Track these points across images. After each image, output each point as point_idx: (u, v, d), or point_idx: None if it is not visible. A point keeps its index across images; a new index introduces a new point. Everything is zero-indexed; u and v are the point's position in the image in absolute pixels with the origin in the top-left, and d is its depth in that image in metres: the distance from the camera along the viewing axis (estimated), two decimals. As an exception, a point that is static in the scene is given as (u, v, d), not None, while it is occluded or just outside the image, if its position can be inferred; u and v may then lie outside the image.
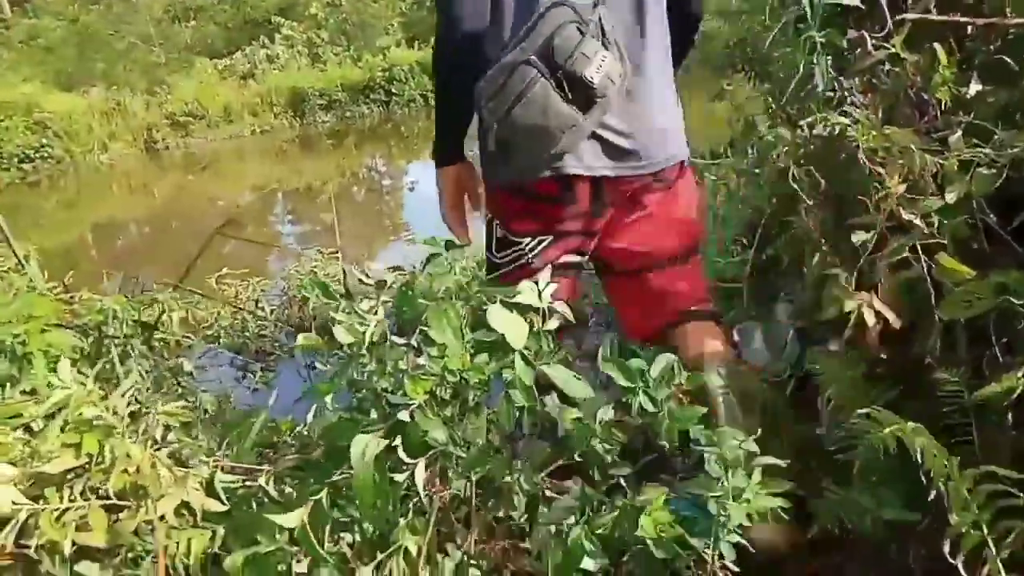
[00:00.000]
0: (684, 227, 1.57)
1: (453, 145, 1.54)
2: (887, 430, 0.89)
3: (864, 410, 0.95)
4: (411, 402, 1.05)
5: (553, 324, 1.16)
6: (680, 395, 1.11)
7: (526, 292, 1.15)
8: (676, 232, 1.55)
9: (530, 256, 1.50)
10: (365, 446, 0.97)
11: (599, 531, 1.14)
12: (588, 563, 1.13)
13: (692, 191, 1.58)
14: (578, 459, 1.20)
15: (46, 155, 12.58)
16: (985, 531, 0.83)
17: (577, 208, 1.45)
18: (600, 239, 1.54)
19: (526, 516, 1.27)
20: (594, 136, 1.37)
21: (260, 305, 3.68)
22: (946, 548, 0.82)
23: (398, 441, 1.05)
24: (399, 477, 1.04)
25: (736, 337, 2.04)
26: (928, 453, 0.85)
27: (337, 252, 3.81)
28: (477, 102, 1.30)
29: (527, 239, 1.50)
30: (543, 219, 1.47)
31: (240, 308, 3.58)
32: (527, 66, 1.23)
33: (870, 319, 0.99)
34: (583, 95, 1.24)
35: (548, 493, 1.32)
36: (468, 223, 1.62)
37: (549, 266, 1.32)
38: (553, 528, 1.19)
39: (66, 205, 10.31)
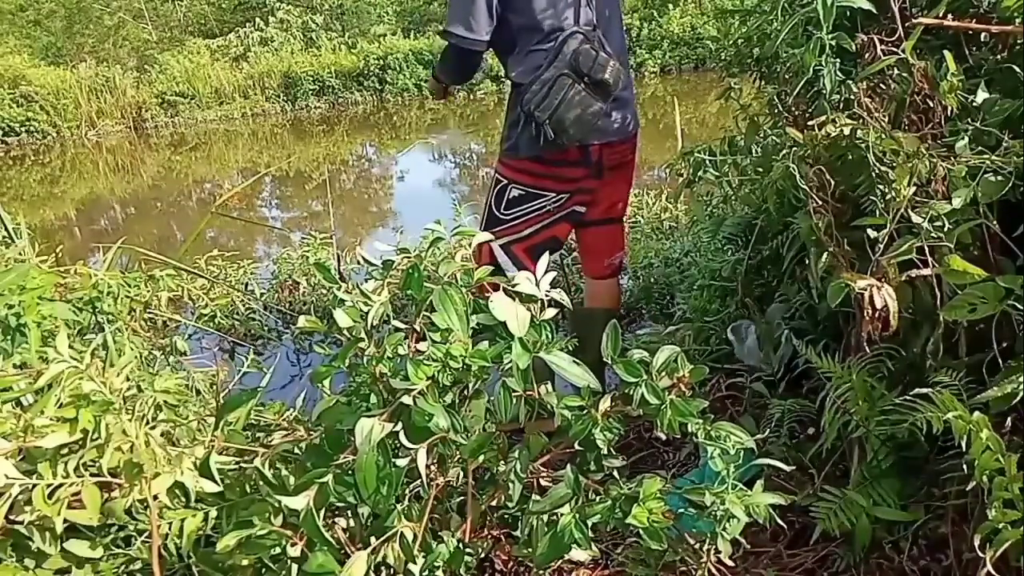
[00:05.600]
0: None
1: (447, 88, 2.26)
2: (948, 415, 0.90)
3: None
4: (413, 387, 1.04)
5: (550, 313, 1.17)
6: (682, 387, 1.10)
7: (523, 283, 1.15)
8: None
9: (552, 206, 2.01)
10: (370, 430, 0.96)
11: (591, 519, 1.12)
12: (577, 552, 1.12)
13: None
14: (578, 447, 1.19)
15: (31, 129, 12.39)
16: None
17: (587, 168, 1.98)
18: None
19: (519, 505, 1.26)
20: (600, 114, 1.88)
21: (249, 288, 3.64)
22: (976, 542, 0.83)
23: (399, 426, 1.04)
24: (400, 462, 1.03)
25: (730, 335, 2.05)
26: (979, 446, 0.85)
27: (330, 237, 3.78)
28: (527, 107, 1.83)
29: (551, 194, 2.00)
30: (562, 179, 2.00)
31: (231, 287, 3.54)
32: (564, 78, 1.81)
33: (879, 302, 1.00)
34: (603, 91, 1.83)
35: (543, 482, 1.31)
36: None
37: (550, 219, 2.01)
38: (545, 517, 1.18)
39: (50, 181, 10.15)
